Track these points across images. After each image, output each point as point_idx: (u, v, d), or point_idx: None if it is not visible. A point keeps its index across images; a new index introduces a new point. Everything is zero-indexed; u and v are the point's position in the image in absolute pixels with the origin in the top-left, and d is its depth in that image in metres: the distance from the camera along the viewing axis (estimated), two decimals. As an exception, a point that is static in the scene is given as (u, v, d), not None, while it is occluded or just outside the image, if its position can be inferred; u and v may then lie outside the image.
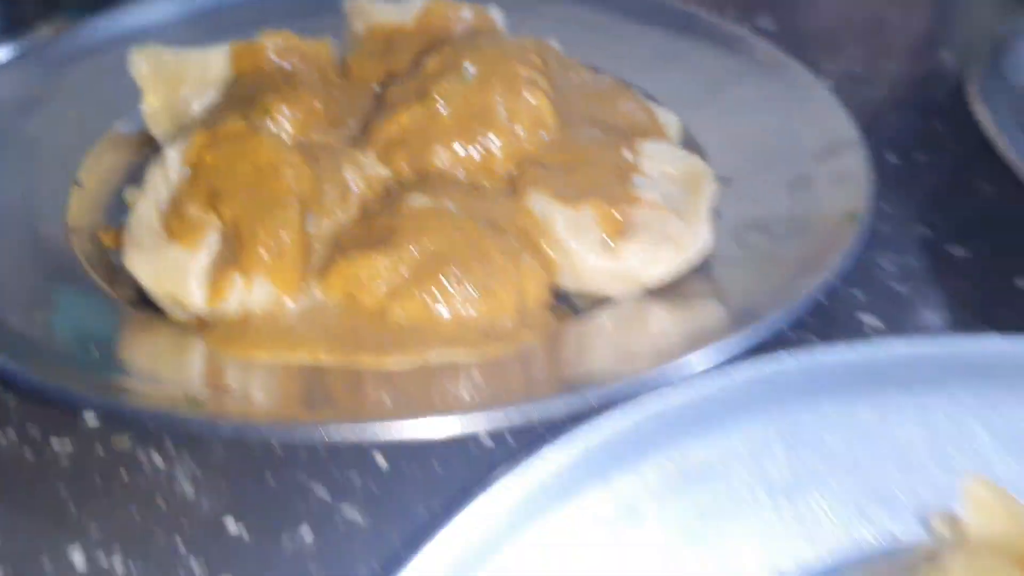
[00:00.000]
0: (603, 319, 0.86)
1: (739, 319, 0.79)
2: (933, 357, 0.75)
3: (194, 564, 0.70)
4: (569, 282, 0.90)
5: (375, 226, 0.86)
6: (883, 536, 0.69)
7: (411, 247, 0.83)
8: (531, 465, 0.65)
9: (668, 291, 0.89)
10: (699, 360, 0.74)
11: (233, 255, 0.83)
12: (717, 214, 0.96)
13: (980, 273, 1.00)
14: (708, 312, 0.85)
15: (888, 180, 1.12)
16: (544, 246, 0.88)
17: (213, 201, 0.85)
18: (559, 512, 0.65)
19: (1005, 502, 0.67)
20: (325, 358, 0.80)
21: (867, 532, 0.70)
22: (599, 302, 0.89)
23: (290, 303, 0.83)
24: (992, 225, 1.06)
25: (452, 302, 0.82)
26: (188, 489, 0.75)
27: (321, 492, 0.75)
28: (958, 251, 1.03)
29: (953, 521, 0.69)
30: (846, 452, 0.72)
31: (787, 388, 0.73)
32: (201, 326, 0.85)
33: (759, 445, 0.71)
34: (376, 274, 0.83)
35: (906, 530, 0.69)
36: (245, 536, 0.72)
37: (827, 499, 0.70)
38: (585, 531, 0.65)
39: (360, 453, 0.78)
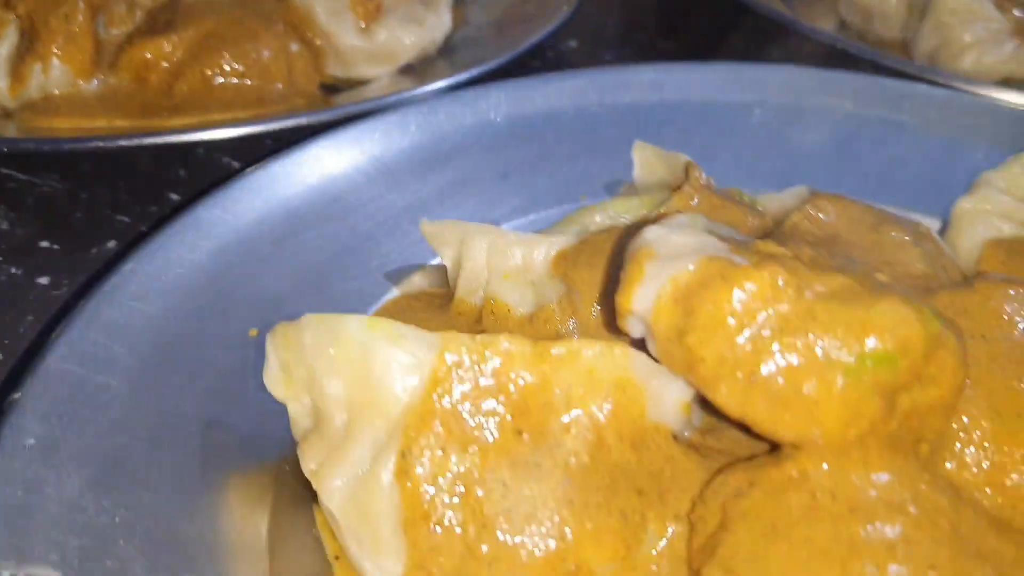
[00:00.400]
0: (363, 90, 1.03)
1: (467, 66, 0.97)
2: (606, 78, 0.95)
3: (13, 270, 0.82)
4: (335, 69, 1.06)
5: (157, 22, 1.00)
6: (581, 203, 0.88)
7: (189, 30, 0.97)
8: (301, 149, 0.82)
9: (419, 67, 1.06)
10: (433, 86, 0.92)
11: (30, 46, 0.95)
12: (465, 21, 1.15)
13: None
14: (447, 71, 1.03)
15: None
16: (310, 36, 1.04)
17: (9, 1, 0.96)
18: (329, 179, 0.81)
19: (661, 155, 0.88)
20: (120, 124, 0.93)
21: (568, 204, 0.89)
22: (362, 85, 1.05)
23: (85, 84, 0.96)
24: (692, 26, 1.29)
25: (227, 74, 0.96)
26: (3, 226, 0.87)
27: (124, 219, 0.89)
28: (666, 45, 1.25)
29: (631, 186, 0.90)
30: (548, 147, 0.91)
31: (505, 101, 0.92)
32: (6, 115, 0.96)
33: (484, 141, 0.90)
34: (160, 55, 0.96)
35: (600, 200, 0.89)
36: (57, 250, 0.85)
37: (535, 180, 0.89)
38: (350, 194, 0.81)
39: (157, 193, 0.91)
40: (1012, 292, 0.61)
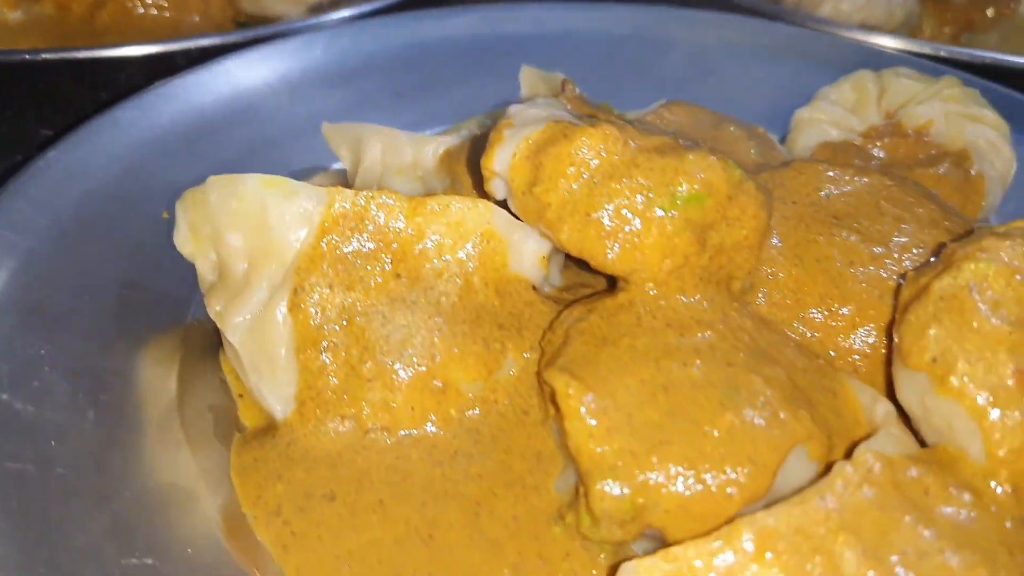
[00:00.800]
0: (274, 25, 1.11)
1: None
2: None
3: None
4: (248, 6, 1.14)
5: (79, -44, 1.07)
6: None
7: (109, -35, 1.04)
8: (213, 64, 0.89)
9: (327, 7, 1.14)
10: (337, 15, 1.00)
11: (-46, -25, 1.01)
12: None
13: None
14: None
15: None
16: (224, -26, 1.12)
17: (-67, -66, 1.02)
18: (239, 90, 0.89)
19: (544, 77, 0.98)
20: (44, 45, 1.00)
21: (465, 122, 0.98)
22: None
23: (10, 13, 1.02)
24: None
25: (146, 5, 1.04)
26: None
27: (48, 132, 0.95)
28: (562, -3, 1.35)
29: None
30: (442, 72, 1.00)
31: (403, 30, 1.01)
32: (-67, 42, 1.02)
33: (383, 64, 0.98)
34: (82, -13, 1.03)
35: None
36: (-15, 158, 0.91)
37: (430, 100, 0.98)
38: (258, 104, 0.90)
39: (79, 112, 0.98)
40: (820, 168, 0.73)
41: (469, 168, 0.74)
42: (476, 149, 0.77)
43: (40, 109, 0.98)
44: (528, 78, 0.98)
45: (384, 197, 0.64)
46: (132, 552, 0.52)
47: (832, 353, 0.66)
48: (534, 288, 0.68)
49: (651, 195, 0.59)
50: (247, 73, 0.90)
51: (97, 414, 0.60)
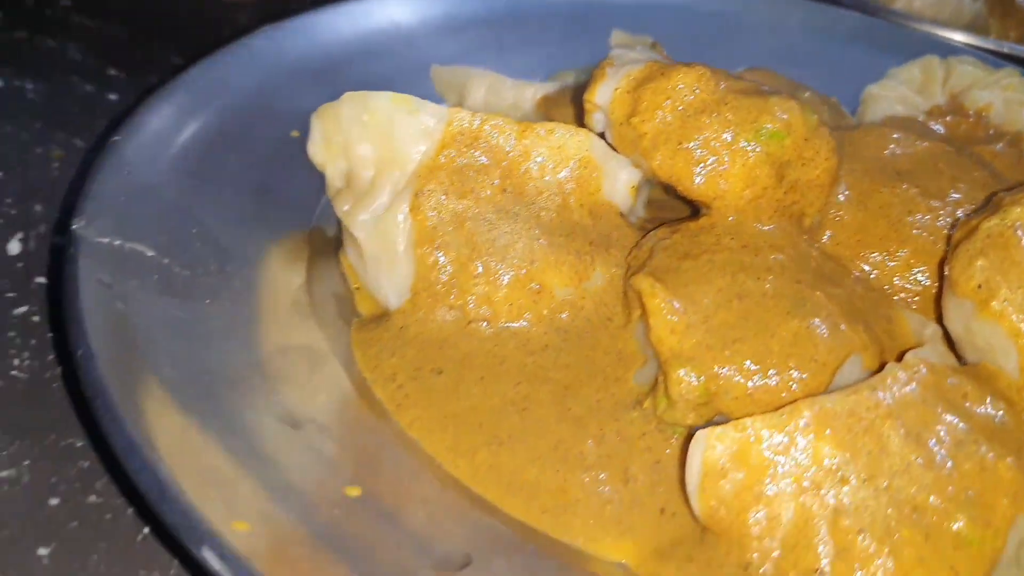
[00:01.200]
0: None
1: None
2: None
3: (88, 87, 0.98)
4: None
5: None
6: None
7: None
8: (333, 9, 0.99)
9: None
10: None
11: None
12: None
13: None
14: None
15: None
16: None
17: None
18: (357, 35, 0.98)
19: (633, 39, 1.05)
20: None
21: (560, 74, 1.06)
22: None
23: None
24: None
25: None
26: (77, 57, 1.03)
27: (178, 60, 1.05)
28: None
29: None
30: (541, 30, 1.09)
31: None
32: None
33: (488, 20, 1.07)
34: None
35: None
36: (123, 77, 1.01)
37: (528, 56, 1.07)
38: (374, 47, 0.99)
39: (205, 47, 1.08)
40: (886, 131, 0.80)
41: (573, 107, 0.83)
42: (577, 93, 0.85)
43: (170, 40, 1.08)
44: (619, 40, 1.06)
45: (498, 119, 0.72)
46: (277, 391, 0.61)
47: (887, 288, 0.73)
48: (621, 215, 0.76)
49: (737, 130, 0.67)
50: (366, 19, 0.99)
51: (241, 284, 0.69)
